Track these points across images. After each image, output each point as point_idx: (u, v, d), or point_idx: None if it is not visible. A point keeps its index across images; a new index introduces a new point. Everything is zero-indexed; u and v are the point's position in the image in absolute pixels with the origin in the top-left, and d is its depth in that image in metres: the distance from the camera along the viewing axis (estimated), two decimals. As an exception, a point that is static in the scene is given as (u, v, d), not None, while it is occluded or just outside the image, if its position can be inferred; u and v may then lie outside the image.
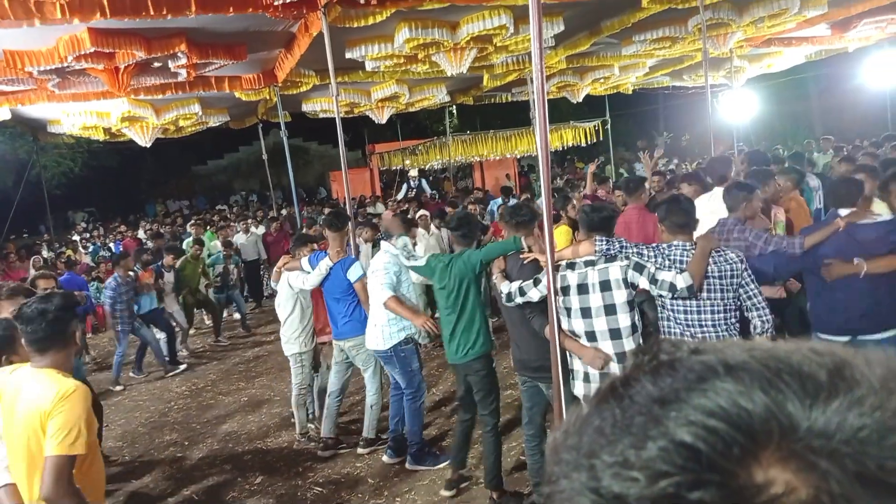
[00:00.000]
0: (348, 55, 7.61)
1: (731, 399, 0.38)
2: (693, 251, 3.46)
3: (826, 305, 3.98)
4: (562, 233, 5.43)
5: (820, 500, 0.34)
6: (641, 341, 3.54)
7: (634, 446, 0.38)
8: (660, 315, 3.67)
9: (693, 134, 22.62)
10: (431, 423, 5.61)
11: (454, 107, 17.36)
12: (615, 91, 14.52)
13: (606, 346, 3.51)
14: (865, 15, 9.60)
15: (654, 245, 3.64)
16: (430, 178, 16.88)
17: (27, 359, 2.64)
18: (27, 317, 2.49)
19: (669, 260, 3.50)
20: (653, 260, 3.50)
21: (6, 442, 2.63)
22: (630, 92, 14.83)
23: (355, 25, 6.41)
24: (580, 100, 13.26)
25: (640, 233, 5.51)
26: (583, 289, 3.53)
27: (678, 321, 3.54)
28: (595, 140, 17.60)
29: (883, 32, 11.23)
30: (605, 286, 3.46)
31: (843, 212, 3.99)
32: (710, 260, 3.41)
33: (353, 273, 4.96)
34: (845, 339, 3.85)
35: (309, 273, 5.08)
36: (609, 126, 16.70)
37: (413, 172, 14.38)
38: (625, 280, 3.44)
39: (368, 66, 8.15)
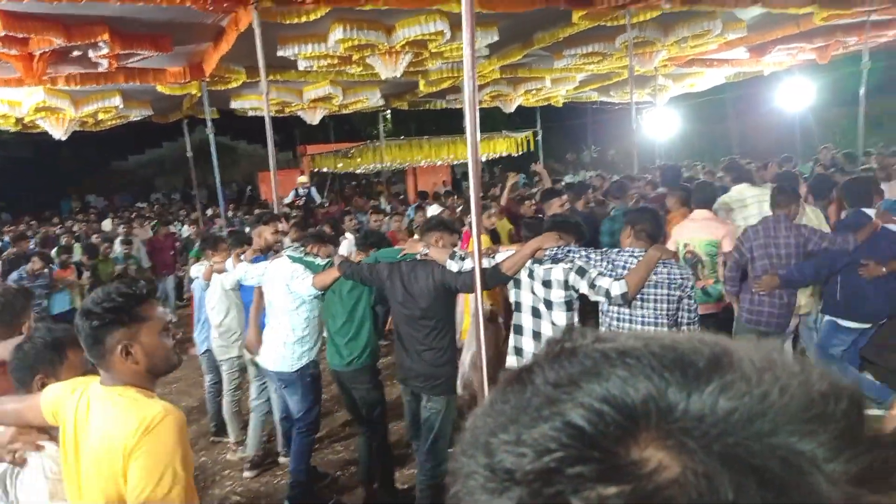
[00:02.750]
0: (280, 53, 7.47)
1: (620, 385, 0.41)
2: (640, 257, 3.48)
3: (856, 297, 4.43)
4: (483, 242, 5.47)
5: (686, 476, 0.36)
6: None
7: (528, 426, 0.41)
8: (600, 321, 3.74)
9: (619, 148, 23.39)
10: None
11: (389, 111, 17.32)
12: (546, 103, 14.86)
13: (534, 342, 3.62)
14: (779, 41, 10.20)
15: (603, 250, 3.73)
16: (329, 182, 16.40)
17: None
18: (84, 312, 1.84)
19: (613, 265, 3.54)
20: (600, 265, 3.55)
21: (70, 489, 1.89)
22: (561, 105, 15.21)
23: (288, 22, 6.30)
24: (512, 110, 13.50)
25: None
26: (521, 284, 3.67)
27: (612, 328, 3.61)
28: (526, 151, 17.94)
29: (794, 59, 11.96)
30: (547, 284, 3.56)
31: (870, 212, 4.46)
32: (654, 271, 3.41)
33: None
34: (868, 325, 4.51)
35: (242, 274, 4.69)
36: (540, 137, 17.04)
37: (302, 178, 13.78)
38: (566, 282, 3.49)
39: (301, 65, 8.03)
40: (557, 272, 3.51)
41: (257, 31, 5.87)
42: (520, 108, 14.05)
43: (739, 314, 4.61)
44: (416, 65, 8.84)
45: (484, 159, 19.14)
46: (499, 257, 3.72)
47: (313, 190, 13.83)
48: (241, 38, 6.73)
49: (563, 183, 9.46)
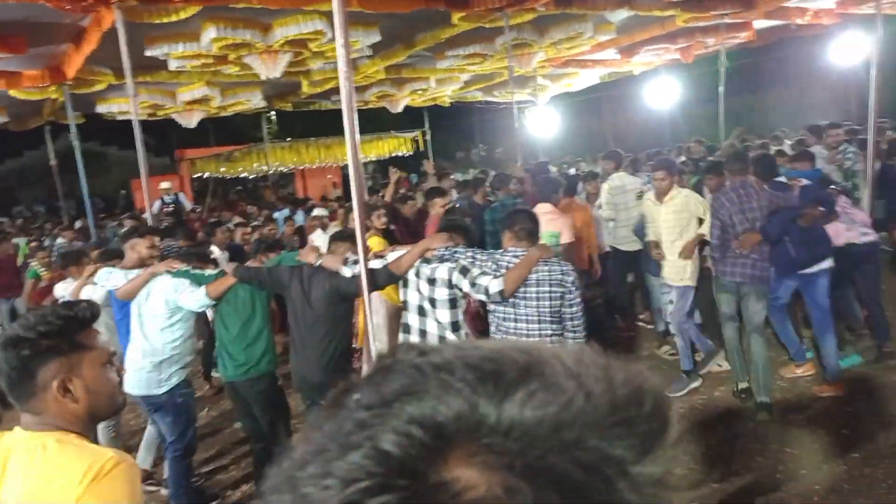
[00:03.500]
0: (149, 53, 7.07)
1: (432, 403, 0.39)
2: (522, 256, 3.53)
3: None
4: (374, 242, 5.44)
5: (493, 493, 0.36)
6: (465, 338, 3.66)
7: (338, 456, 0.39)
8: (489, 321, 3.81)
9: (505, 146, 23.99)
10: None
11: (273, 112, 16.84)
12: (433, 103, 14.99)
13: (420, 340, 3.65)
14: (646, 42, 10.82)
15: (490, 251, 3.81)
16: (211, 187, 15.62)
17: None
18: None
19: (498, 266, 3.59)
20: (485, 265, 3.60)
21: None
22: (447, 104, 15.39)
23: (155, 21, 5.96)
24: (400, 110, 13.50)
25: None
26: (409, 283, 3.71)
27: (500, 328, 3.66)
28: (415, 150, 18.02)
29: (660, 59, 12.73)
30: (432, 283, 3.62)
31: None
32: (534, 269, 3.48)
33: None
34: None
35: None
36: (429, 137, 17.17)
37: (165, 185, 13.02)
38: (449, 280, 3.54)
39: (172, 65, 7.62)
40: (442, 271, 3.57)
41: (121, 31, 5.52)
42: (408, 108, 14.08)
43: (720, 277, 4.85)
44: (297, 65, 8.64)
45: (374, 160, 19.05)
46: (390, 257, 3.77)
47: (181, 196, 13.14)
48: (105, 38, 6.29)
49: (452, 179, 9.60)
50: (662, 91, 13.50)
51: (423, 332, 3.69)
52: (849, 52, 10.71)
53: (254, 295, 3.96)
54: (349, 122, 3.04)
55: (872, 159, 5.97)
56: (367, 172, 21.94)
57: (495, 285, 3.37)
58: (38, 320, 1.49)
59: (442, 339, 3.62)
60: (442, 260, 3.63)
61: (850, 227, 5.19)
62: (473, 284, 3.43)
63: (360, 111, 14.59)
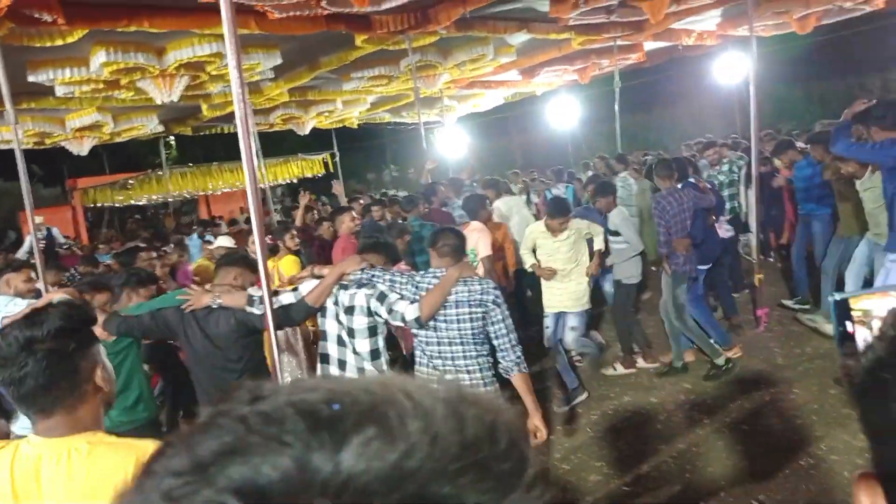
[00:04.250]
0: (32, 78, 6.65)
1: (256, 464, 0.33)
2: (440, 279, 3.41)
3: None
4: (289, 262, 5.32)
5: None
6: (384, 368, 3.54)
7: None
8: (414, 346, 3.70)
9: (416, 167, 24.14)
10: None
11: (172, 137, 16.21)
12: (342, 125, 14.88)
13: (339, 371, 3.52)
14: (546, 64, 11.21)
15: (410, 273, 3.67)
16: (107, 217, 14.78)
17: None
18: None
19: (418, 288, 3.46)
20: (404, 288, 3.46)
21: None
22: (356, 126, 15.33)
23: (37, 45, 5.62)
24: (307, 132, 13.32)
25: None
26: (327, 312, 3.53)
27: (425, 353, 3.55)
28: (325, 172, 17.82)
29: (560, 80, 13.22)
30: (350, 311, 3.44)
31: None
32: (454, 290, 3.36)
33: None
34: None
35: None
36: (338, 159, 17.03)
37: (38, 219, 12.26)
38: (368, 308, 3.40)
39: (59, 91, 7.21)
40: (360, 298, 3.42)
41: (-3, 55, 5.15)
42: (316, 130, 13.90)
43: (670, 268, 5.48)
44: (195, 88, 8.36)
45: (283, 183, 18.69)
46: (304, 288, 3.53)
47: (54, 230, 12.39)
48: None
49: (361, 203, 9.54)
50: (564, 110, 14.00)
51: (341, 363, 3.53)
52: (730, 70, 11.51)
53: (125, 345, 3.59)
54: (246, 146, 2.96)
55: (758, 167, 6.40)
56: (275, 196, 21.49)
57: (411, 311, 3.26)
58: (71, 309, 1.45)
59: (361, 370, 3.48)
60: (360, 285, 3.47)
61: (721, 225, 6.48)
62: (390, 311, 3.30)
63: (266, 134, 14.33)
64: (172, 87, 7.38)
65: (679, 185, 5.62)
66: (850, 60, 18.15)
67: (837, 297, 0.80)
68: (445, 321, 3.39)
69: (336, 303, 3.49)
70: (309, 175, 17.78)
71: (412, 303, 3.30)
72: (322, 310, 3.51)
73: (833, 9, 9.34)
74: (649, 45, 11.37)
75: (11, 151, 10.23)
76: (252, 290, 3.40)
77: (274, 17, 5.70)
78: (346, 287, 3.47)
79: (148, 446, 1.36)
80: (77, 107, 8.70)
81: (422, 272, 3.64)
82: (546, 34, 8.61)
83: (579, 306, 5.46)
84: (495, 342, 3.41)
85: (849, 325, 0.78)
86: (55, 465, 1.35)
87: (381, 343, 3.51)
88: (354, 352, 3.47)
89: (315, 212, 9.78)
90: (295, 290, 3.53)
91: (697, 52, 12.35)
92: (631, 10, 7.59)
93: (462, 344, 3.39)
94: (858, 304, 0.78)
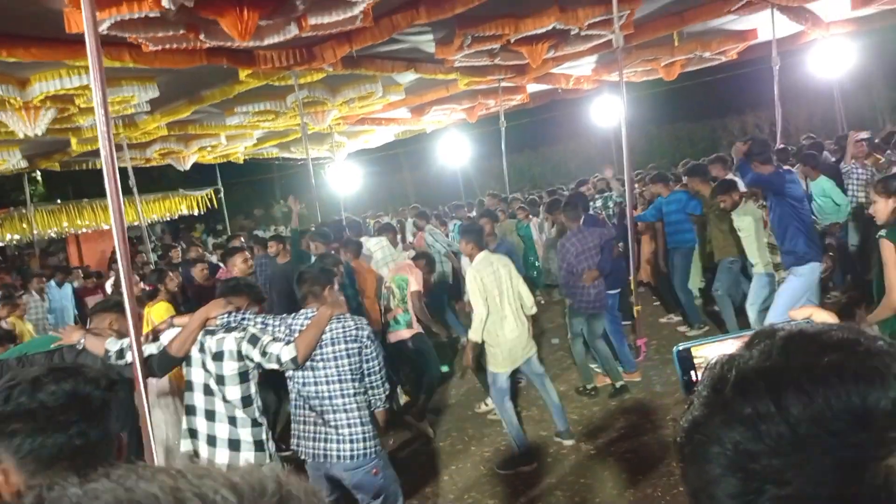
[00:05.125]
0: None
1: None
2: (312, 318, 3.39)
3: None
4: (161, 309, 4.99)
5: None
6: (256, 415, 3.36)
7: None
8: (289, 388, 3.59)
9: (307, 202, 23.77)
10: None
11: (38, 173, 15.05)
12: (226, 159, 14.41)
13: (207, 422, 3.31)
14: (434, 103, 11.44)
15: (281, 315, 3.60)
16: None
17: None
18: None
19: (291, 330, 3.41)
20: (277, 331, 3.40)
21: None
22: (242, 161, 14.89)
23: None
24: (188, 167, 12.77)
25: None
26: (192, 360, 3.31)
27: (300, 394, 3.48)
28: (209, 208, 17.13)
29: (449, 118, 13.53)
30: (219, 357, 3.25)
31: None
32: (328, 328, 3.36)
33: None
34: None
35: None
36: (223, 194, 16.44)
37: None
38: (239, 352, 3.23)
39: None
40: (230, 342, 3.25)
41: None
42: (198, 164, 13.36)
43: (574, 305, 5.83)
44: (63, 121, 7.82)
45: (162, 220, 17.78)
46: (165, 338, 3.34)
47: None
48: None
49: (241, 241, 9.23)
50: (454, 147, 14.30)
51: (209, 413, 3.32)
52: (606, 112, 12.25)
53: None
54: (111, 186, 2.76)
55: (632, 205, 6.78)
56: (154, 234, 20.39)
57: (287, 352, 3.18)
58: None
59: (232, 419, 3.29)
60: (228, 329, 3.32)
61: None
62: (264, 353, 3.19)
63: (143, 169, 13.61)
64: (37, 121, 6.85)
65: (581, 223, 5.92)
66: (713, 104, 19.88)
67: (681, 346, 0.80)
68: (323, 360, 3.38)
69: (202, 349, 3.30)
70: (191, 212, 16.99)
71: (287, 343, 3.21)
72: (188, 359, 3.31)
73: (694, 57, 10.18)
74: (532, 87, 11.89)
75: None
76: (108, 343, 3.21)
77: (148, 49, 5.44)
78: (212, 332, 3.30)
79: None
80: (-78, 139, 7.89)
81: (294, 314, 3.56)
82: (433, 74, 8.80)
83: None
84: (367, 379, 3.51)
85: (693, 375, 0.79)
86: None
87: (252, 389, 3.34)
88: (224, 400, 3.28)
89: (191, 253, 9.35)
90: (156, 339, 3.37)
91: (576, 94, 13.05)
92: (513, 54, 7.91)
93: (340, 381, 3.39)
94: (700, 352, 0.79)
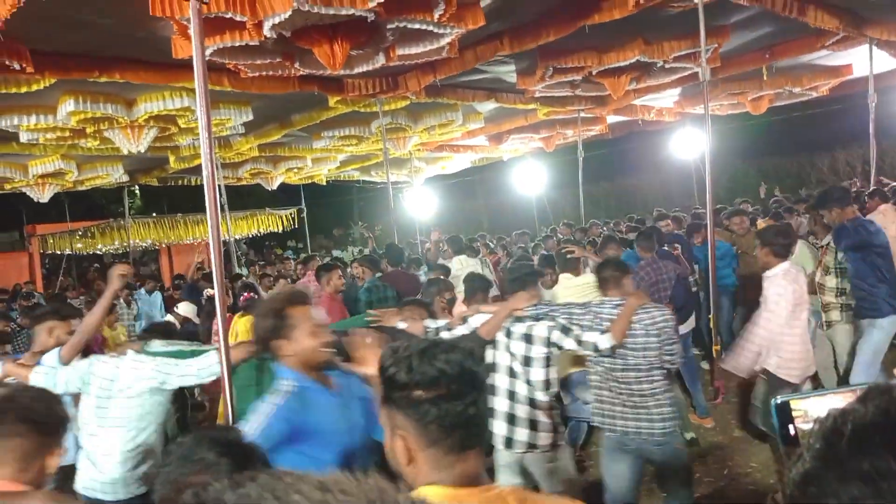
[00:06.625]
0: (-3, 124, 6.60)
1: None
2: (620, 307, 3.57)
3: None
4: (249, 322, 5.21)
5: None
6: (552, 398, 3.59)
7: None
8: (590, 375, 3.81)
9: (384, 224, 24.28)
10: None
11: (136, 187, 16.08)
12: (310, 181, 14.97)
13: (508, 402, 3.56)
14: (512, 132, 11.55)
15: (584, 303, 3.85)
16: (64, 265, 14.31)
17: None
18: None
19: (599, 318, 3.61)
20: (584, 319, 3.63)
21: None
22: (325, 183, 15.43)
23: (2, 91, 5.60)
24: (275, 187, 13.36)
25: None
26: (501, 345, 3.58)
27: (608, 377, 3.66)
28: (292, 227, 17.79)
29: (526, 147, 13.61)
30: (528, 339, 3.52)
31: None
32: (635, 318, 3.53)
33: None
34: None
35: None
36: (305, 214, 17.04)
37: None
38: (548, 339, 3.48)
39: (23, 137, 7.14)
40: (541, 329, 3.50)
41: (-38, 99, 5.12)
42: (284, 185, 13.96)
43: None
44: (164, 140, 8.37)
45: (250, 236, 18.59)
46: (474, 322, 3.65)
47: None
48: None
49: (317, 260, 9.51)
50: (529, 176, 14.32)
51: (511, 394, 3.55)
52: (688, 145, 12.00)
53: None
54: (211, 204, 2.97)
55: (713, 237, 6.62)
56: (240, 249, 21.29)
57: (604, 341, 3.39)
58: None
59: (532, 400, 3.51)
60: (537, 318, 3.58)
61: None
62: (580, 342, 3.44)
63: (235, 187, 14.28)
64: (140, 139, 7.37)
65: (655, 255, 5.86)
66: (801, 140, 19.10)
67: (779, 399, 0.80)
68: (633, 348, 3.55)
69: (508, 335, 3.56)
70: (274, 230, 17.71)
71: (603, 333, 3.43)
72: (493, 342, 3.59)
73: (784, 93, 9.88)
74: (612, 118, 11.82)
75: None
76: (427, 322, 3.67)
77: (246, 75, 5.79)
78: (521, 320, 3.58)
79: None
80: (41, 153, 8.61)
81: (598, 301, 3.77)
82: (513, 103, 8.91)
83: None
84: (664, 358, 3.61)
85: (790, 428, 0.78)
86: None
87: (553, 375, 3.57)
88: (528, 382, 3.51)
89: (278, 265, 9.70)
90: (465, 321, 3.69)
91: (657, 126, 12.88)
92: (594, 85, 7.92)
93: (649, 369, 3.56)
94: (799, 406, 0.78)
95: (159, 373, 3.18)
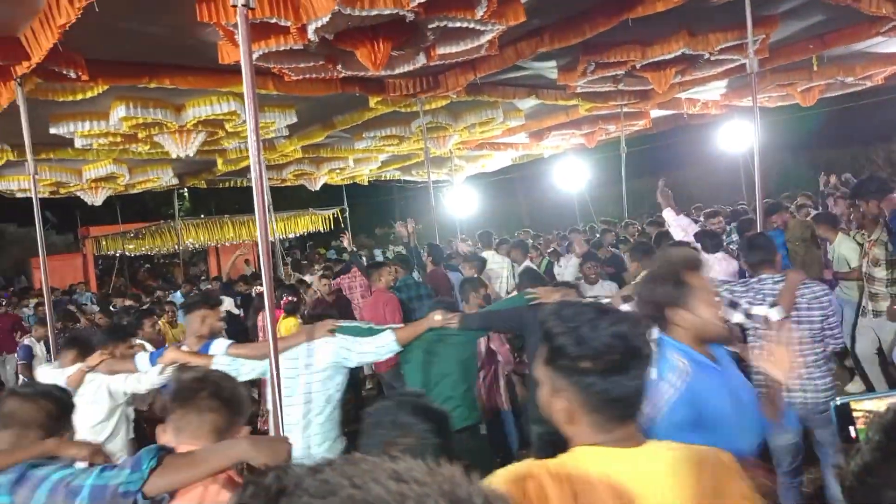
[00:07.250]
0: (54, 130, 6.86)
1: None
2: (780, 283, 3.70)
3: None
4: (290, 324, 5.33)
5: None
6: None
7: None
8: (752, 346, 3.89)
9: (425, 223, 24.39)
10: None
11: (185, 189, 16.52)
12: (352, 181, 15.13)
13: None
14: (553, 128, 11.45)
15: (742, 280, 4.03)
16: (117, 266, 14.81)
17: None
18: None
19: (761, 295, 3.73)
20: (745, 297, 3.76)
21: None
22: (366, 182, 15.57)
23: (60, 99, 5.81)
24: (318, 188, 13.54)
25: (373, 314, 5.77)
26: None
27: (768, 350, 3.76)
28: (334, 227, 18.03)
29: (567, 143, 13.48)
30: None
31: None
32: (798, 293, 3.68)
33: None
34: None
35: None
36: (347, 214, 17.24)
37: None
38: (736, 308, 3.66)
39: (78, 142, 7.40)
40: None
41: (23, 109, 5.31)
42: (326, 185, 14.14)
43: None
44: (211, 143, 8.57)
45: (292, 236, 18.91)
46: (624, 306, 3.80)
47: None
48: (5, 113, 6.06)
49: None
50: (571, 173, 14.16)
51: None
52: (735, 139, 11.69)
53: None
54: (259, 205, 3.04)
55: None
56: (284, 249, 21.66)
57: (775, 313, 3.53)
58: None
59: None
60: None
61: None
62: (749, 316, 3.60)
63: (278, 188, 14.54)
64: (189, 143, 7.57)
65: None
66: (854, 131, 18.43)
67: (839, 401, 0.79)
68: (798, 321, 3.67)
69: None
70: (317, 229, 17.96)
71: (772, 306, 3.59)
72: None
73: (836, 83, 9.56)
74: (655, 113, 11.62)
75: (26, 198, 10.50)
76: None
77: (290, 78, 5.89)
78: None
79: None
80: (94, 158, 8.92)
81: (756, 278, 3.86)
82: (554, 100, 8.84)
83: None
84: (825, 331, 3.74)
85: (851, 431, 0.77)
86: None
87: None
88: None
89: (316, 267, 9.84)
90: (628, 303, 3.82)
91: (702, 120, 12.60)
92: (637, 79, 7.80)
93: (812, 342, 3.67)
94: (860, 406, 0.77)
95: (342, 349, 3.39)
